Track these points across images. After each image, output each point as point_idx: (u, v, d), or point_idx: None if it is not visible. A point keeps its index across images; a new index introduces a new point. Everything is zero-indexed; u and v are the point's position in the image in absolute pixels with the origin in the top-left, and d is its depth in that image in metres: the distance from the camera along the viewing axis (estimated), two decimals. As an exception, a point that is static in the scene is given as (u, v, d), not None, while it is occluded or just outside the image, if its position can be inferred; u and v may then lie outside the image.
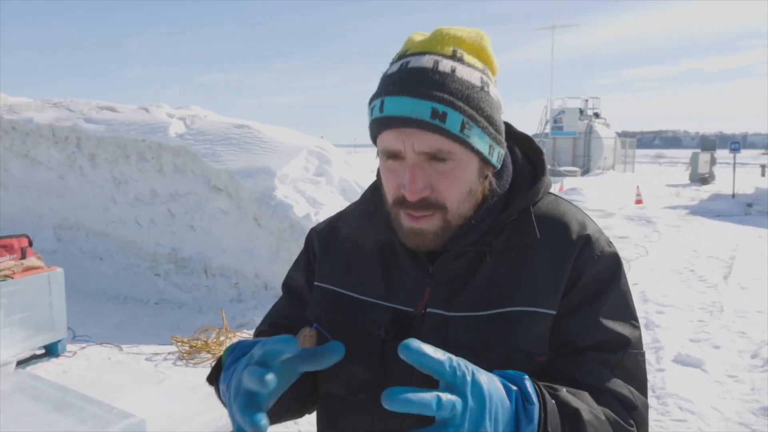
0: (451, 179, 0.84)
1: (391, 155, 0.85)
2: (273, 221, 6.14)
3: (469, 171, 0.85)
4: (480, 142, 0.84)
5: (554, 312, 0.86)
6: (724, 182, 20.77)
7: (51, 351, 4.57)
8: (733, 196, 16.03)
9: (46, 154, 7.71)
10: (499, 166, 0.91)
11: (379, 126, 0.85)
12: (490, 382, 0.69)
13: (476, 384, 0.67)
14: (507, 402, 0.70)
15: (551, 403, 0.74)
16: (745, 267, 7.80)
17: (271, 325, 1.06)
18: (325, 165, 7.09)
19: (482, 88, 0.84)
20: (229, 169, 6.52)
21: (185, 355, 4.61)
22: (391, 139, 0.83)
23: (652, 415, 3.73)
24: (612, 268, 0.90)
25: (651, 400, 3.93)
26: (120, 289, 6.82)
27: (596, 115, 30.30)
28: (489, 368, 0.80)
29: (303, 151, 7.01)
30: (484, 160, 0.86)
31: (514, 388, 0.72)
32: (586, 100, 30.71)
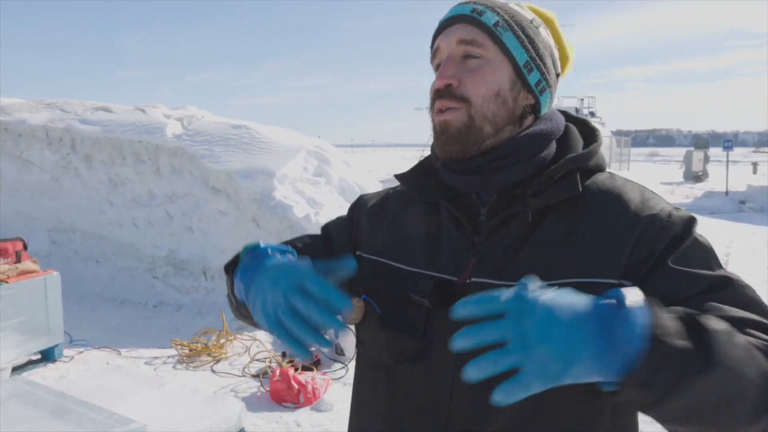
0: (479, 76, 0.88)
1: (437, 64, 0.92)
2: (272, 222, 6.07)
3: (500, 74, 0.89)
4: (514, 46, 0.89)
5: (616, 281, 0.81)
6: (717, 180, 20.88)
7: (47, 356, 4.47)
8: (727, 193, 16.10)
9: (39, 155, 7.60)
10: (541, 101, 0.92)
11: (433, 38, 0.94)
12: (560, 294, 0.64)
13: (538, 294, 0.63)
14: (586, 303, 0.63)
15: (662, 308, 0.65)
16: (740, 264, 7.86)
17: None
18: (324, 165, 7.02)
19: (531, 21, 0.92)
20: (227, 169, 6.44)
21: (185, 358, 4.53)
22: (438, 40, 0.92)
23: (641, 416, 3.65)
24: (686, 227, 0.85)
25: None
26: (117, 292, 6.73)
27: (592, 114, 30.39)
28: None
29: (302, 152, 6.94)
30: (519, 74, 0.90)
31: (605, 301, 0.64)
32: (582, 100, 30.80)
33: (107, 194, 7.24)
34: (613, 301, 0.63)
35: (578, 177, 0.87)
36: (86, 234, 7.34)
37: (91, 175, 7.35)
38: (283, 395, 3.79)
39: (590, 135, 0.96)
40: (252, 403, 3.76)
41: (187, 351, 4.59)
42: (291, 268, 0.77)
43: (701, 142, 26.85)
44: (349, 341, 4.27)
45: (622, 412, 0.89)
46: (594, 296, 0.65)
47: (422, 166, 1.01)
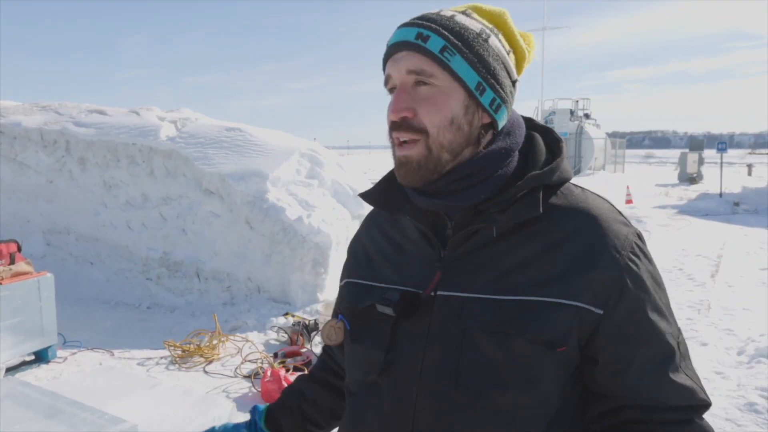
0: (432, 103, 0.88)
1: (390, 88, 0.92)
2: (265, 224, 6.12)
3: (452, 101, 0.88)
4: (463, 71, 0.87)
5: (579, 304, 0.85)
6: (712, 181, 20.95)
7: (41, 357, 4.52)
8: (721, 195, 16.16)
9: (34, 158, 7.64)
10: (497, 119, 0.92)
11: (384, 59, 0.93)
12: None
13: None
14: None
15: None
16: (732, 265, 7.91)
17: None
18: (317, 167, 7.07)
19: (479, 35, 0.89)
20: (220, 172, 6.48)
21: (178, 359, 4.58)
22: (388, 67, 0.91)
23: None
24: (646, 268, 0.90)
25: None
26: (111, 293, 6.77)
27: (586, 116, 30.42)
28: (510, 357, 0.84)
29: (295, 154, 6.99)
30: (472, 96, 0.89)
31: None
32: (577, 101, 30.83)
33: (102, 196, 7.28)
34: None
35: (540, 195, 0.88)
36: (81, 236, 7.38)
37: (85, 177, 7.39)
38: (275, 396, 3.84)
39: (555, 145, 0.96)
40: (243, 404, 3.81)
41: (179, 352, 4.64)
42: None
43: (696, 143, 26.93)
44: None
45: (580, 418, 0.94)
46: None
47: (387, 181, 1.02)
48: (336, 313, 1.04)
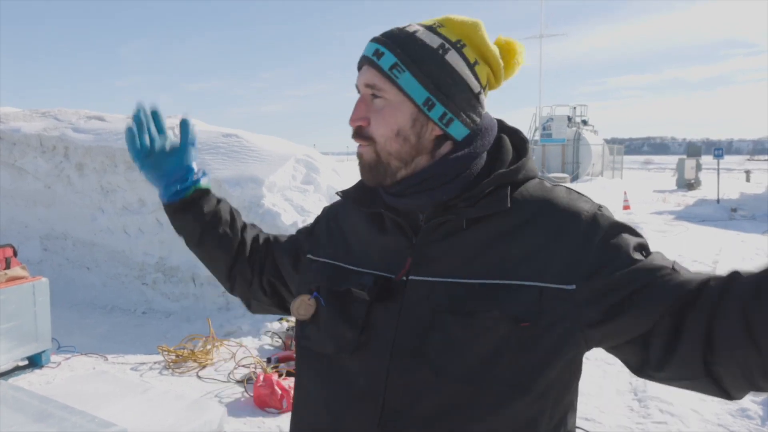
0: (380, 116, 0.96)
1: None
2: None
3: (399, 114, 0.95)
4: (411, 88, 0.94)
5: (544, 284, 0.88)
6: (710, 187, 20.96)
7: (35, 362, 4.54)
8: (718, 201, 16.19)
9: (33, 163, 7.68)
10: (449, 131, 0.96)
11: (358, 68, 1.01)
12: None
13: None
14: None
15: None
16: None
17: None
18: (312, 173, 7.11)
19: (437, 50, 0.94)
20: (216, 177, 6.52)
21: (171, 364, 4.59)
22: (357, 78, 1.00)
23: (633, 418, 3.76)
24: (608, 224, 0.92)
25: (633, 403, 3.97)
26: (107, 299, 6.79)
27: (584, 122, 30.52)
28: (475, 335, 0.89)
29: (291, 160, 7.03)
30: (421, 110, 0.95)
31: None
32: (574, 108, 30.94)
33: (99, 202, 7.31)
34: None
35: (508, 191, 0.93)
36: (78, 241, 7.41)
37: (83, 182, 7.42)
38: (267, 400, 3.86)
39: (521, 145, 1.02)
40: (235, 409, 3.83)
41: (173, 357, 4.66)
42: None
43: (694, 149, 26.96)
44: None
45: (559, 407, 0.95)
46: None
47: (360, 185, 1.09)
48: (309, 290, 1.07)
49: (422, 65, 0.93)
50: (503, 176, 0.95)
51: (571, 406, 0.98)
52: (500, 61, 0.99)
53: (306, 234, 1.22)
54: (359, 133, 0.98)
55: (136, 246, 6.98)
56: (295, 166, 7.04)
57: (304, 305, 1.05)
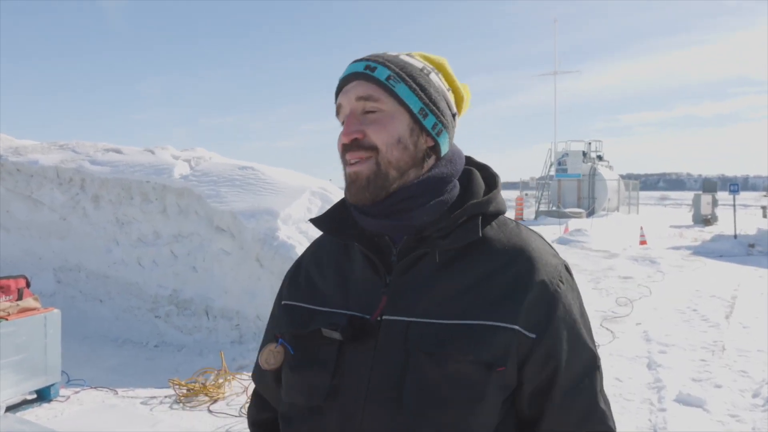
0: (380, 124, 0.96)
1: (342, 119, 0.99)
2: (275, 261, 6.07)
3: (398, 122, 0.96)
4: (407, 96, 0.96)
5: (516, 327, 0.90)
6: (727, 223, 20.71)
7: (43, 396, 4.42)
8: (735, 236, 15.94)
9: (49, 195, 7.72)
10: (440, 142, 0.99)
11: (336, 95, 1.01)
12: None
13: None
14: None
15: None
16: (747, 306, 7.77)
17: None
18: (327, 206, 7.04)
19: (421, 70, 1.00)
20: (232, 210, 6.49)
21: (182, 398, 4.47)
22: (339, 98, 1.00)
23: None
24: (572, 296, 0.98)
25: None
26: (119, 331, 6.71)
27: (599, 158, 30.43)
28: (452, 378, 0.88)
29: (306, 192, 7.00)
30: (416, 120, 0.97)
31: None
32: (589, 143, 30.89)
33: (114, 234, 7.30)
34: None
35: (480, 221, 0.95)
36: (92, 273, 7.38)
37: (98, 214, 7.43)
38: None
39: (492, 180, 1.05)
40: (247, 446, 3.69)
41: (184, 391, 4.53)
42: None
43: (709, 185, 26.75)
44: None
45: None
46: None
47: (337, 209, 1.07)
48: (275, 337, 1.03)
49: (414, 79, 0.98)
50: (475, 207, 0.96)
51: None
52: (464, 94, 1.06)
53: (287, 282, 1.14)
54: (357, 145, 0.96)
55: (150, 278, 6.92)
56: (310, 199, 7.01)
57: (272, 354, 1.00)
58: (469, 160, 1.09)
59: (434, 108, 0.98)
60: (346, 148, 0.97)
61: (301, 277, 1.09)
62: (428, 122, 0.98)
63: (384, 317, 0.93)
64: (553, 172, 29.37)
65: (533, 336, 0.91)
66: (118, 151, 8.08)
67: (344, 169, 1.00)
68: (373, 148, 0.95)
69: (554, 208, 26.19)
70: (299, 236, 6.39)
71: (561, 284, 0.96)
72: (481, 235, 0.94)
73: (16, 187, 7.87)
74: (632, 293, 8.42)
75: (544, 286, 0.94)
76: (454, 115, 1.03)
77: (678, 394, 4.51)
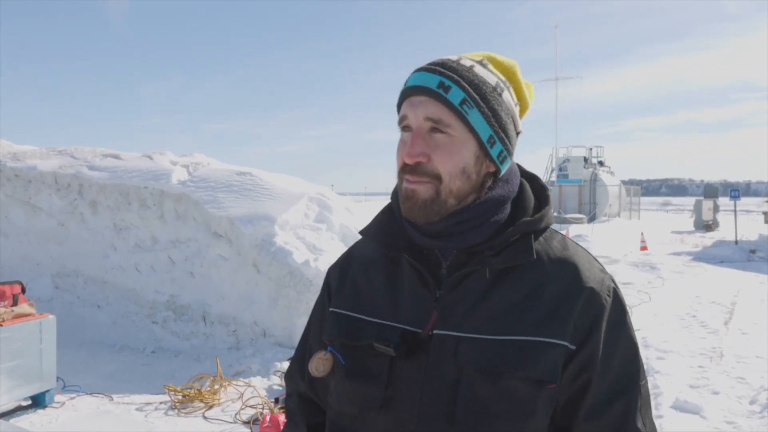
0: (447, 152, 0.91)
1: (404, 126, 0.94)
2: (272, 267, 6.06)
3: (465, 151, 0.92)
4: (479, 124, 0.91)
5: (565, 343, 0.90)
6: (728, 229, 20.65)
7: (38, 402, 4.41)
8: (736, 242, 15.90)
9: (47, 201, 7.72)
10: (502, 169, 0.97)
11: (401, 97, 0.96)
12: None
13: None
14: None
15: None
16: (746, 312, 7.76)
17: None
18: (325, 212, 7.05)
19: (494, 89, 0.94)
20: (229, 215, 6.49)
21: (177, 404, 4.45)
22: (405, 107, 0.94)
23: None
24: (618, 310, 0.97)
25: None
26: (116, 337, 6.69)
27: (600, 163, 30.41)
28: (503, 395, 0.88)
29: (304, 198, 6.99)
30: (483, 148, 0.93)
31: None
32: (590, 149, 30.88)
33: (111, 239, 7.30)
34: None
35: (532, 241, 0.93)
36: (89, 279, 7.37)
37: (96, 220, 7.43)
38: (272, 443, 3.69)
39: (541, 193, 1.02)
40: (241, 452, 3.67)
41: (180, 397, 4.52)
42: None
43: (711, 191, 26.68)
44: None
45: None
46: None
47: (385, 216, 1.04)
48: (323, 345, 1.03)
49: (488, 103, 0.93)
50: (527, 225, 0.95)
51: None
52: (529, 103, 1.02)
53: (333, 289, 1.11)
54: (420, 170, 0.91)
55: (147, 284, 6.91)
56: (308, 205, 7.00)
57: (321, 362, 1.00)
58: (519, 170, 1.05)
59: (503, 135, 0.95)
60: (407, 169, 0.93)
61: (348, 284, 1.07)
62: (495, 150, 0.94)
63: (435, 332, 0.93)
64: (554, 178, 29.34)
65: (573, 348, 0.91)
66: (116, 157, 8.08)
67: (400, 183, 0.96)
68: (437, 177, 0.91)
69: (555, 214, 26.17)
70: (296, 242, 6.38)
71: (608, 298, 0.95)
72: (534, 257, 0.93)
73: (15, 192, 7.88)
74: (632, 299, 8.40)
75: (592, 299, 0.93)
76: (518, 134, 1.00)
77: (675, 401, 4.49)
